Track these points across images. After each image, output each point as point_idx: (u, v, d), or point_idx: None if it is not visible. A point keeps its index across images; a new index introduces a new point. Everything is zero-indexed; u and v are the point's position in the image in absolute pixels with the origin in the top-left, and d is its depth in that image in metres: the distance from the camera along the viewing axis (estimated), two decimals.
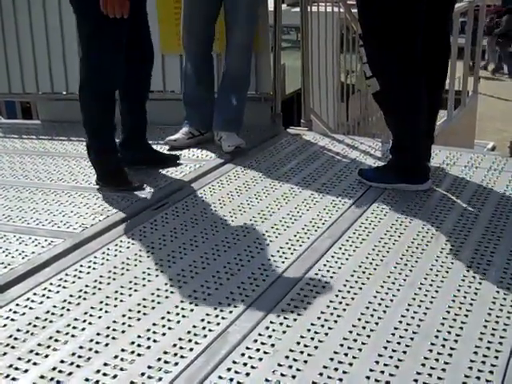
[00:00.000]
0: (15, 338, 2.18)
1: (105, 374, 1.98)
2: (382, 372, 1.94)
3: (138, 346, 2.11)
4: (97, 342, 2.14)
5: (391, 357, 2.00)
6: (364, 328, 2.16)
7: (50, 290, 2.49)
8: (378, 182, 3.40)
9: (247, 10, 4.01)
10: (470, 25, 12.51)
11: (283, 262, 2.64)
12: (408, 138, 3.34)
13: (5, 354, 2.10)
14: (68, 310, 2.35)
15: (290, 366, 1.98)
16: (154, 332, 2.19)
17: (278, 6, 4.46)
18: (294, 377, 1.94)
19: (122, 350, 2.09)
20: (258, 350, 2.07)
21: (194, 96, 4.21)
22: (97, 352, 2.09)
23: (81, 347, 2.12)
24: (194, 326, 2.21)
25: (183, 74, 4.30)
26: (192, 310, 2.31)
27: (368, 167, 3.66)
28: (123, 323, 2.25)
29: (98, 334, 2.18)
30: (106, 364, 2.03)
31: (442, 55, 3.45)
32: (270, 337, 2.14)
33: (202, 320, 2.25)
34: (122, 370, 2.00)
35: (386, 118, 3.44)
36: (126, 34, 3.30)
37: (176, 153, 3.99)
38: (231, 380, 1.94)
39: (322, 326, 2.19)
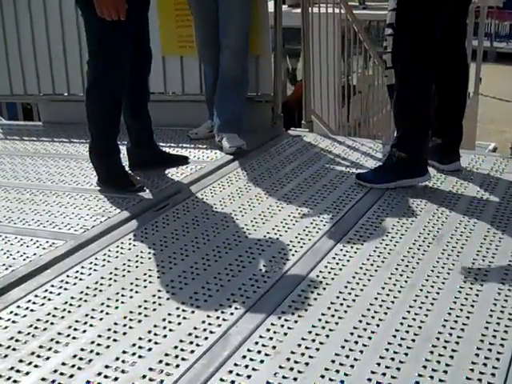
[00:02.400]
0: (16, 340, 2.18)
1: (106, 377, 1.98)
2: (384, 374, 1.93)
3: (139, 348, 2.11)
4: (98, 344, 2.14)
5: (393, 359, 2.00)
6: (365, 330, 2.16)
7: (51, 292, 2.49)
8: (378, 182, 3.41)
9: (240, 12, 4.02)
10: (471, 26, 12.51)
11: (284, 264, 2.64)
12: (414, 131, 3.38)
13: (6, 356, 2.10)
14: (69, 312, 2.35)
15: (292, 369, 1.98)
16: (155, 334, 2.18)
17: (279, 7, 4.46)
18: (295, 379, 1.93)
19: (124, 352, 2.09)
20: (259, 352, 2.07)
21: (212, 97, 4.25)
22: (98, 354, 2.09)
23: (82, 349, 2.12)
24: (195, 328, 2.21)
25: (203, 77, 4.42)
26: (193, 312, 2.31)
27: (366, 170, 3.67)
28: (124, 325, 2.25)
29: (99, 336, 2.18)
30: (107, 366, 2.03)
31: (459, 48, 3.59)
32: (271, 339, 2.13)
33: (203, 322, 2.24)
34: (123, 372, 2.00)
35: (395, 111, 3.50)
36: (132, 36, 3.31)
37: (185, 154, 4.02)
38: (232, 383, 1.94)
39: (323, 327, 2.18)
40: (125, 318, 2.29)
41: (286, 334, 2.16)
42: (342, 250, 2.74)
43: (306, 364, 2.00)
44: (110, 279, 2.57)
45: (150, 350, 2.10)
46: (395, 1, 3.35)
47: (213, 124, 4.23)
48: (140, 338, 2.16)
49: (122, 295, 2.45)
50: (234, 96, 4.16)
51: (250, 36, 4.12)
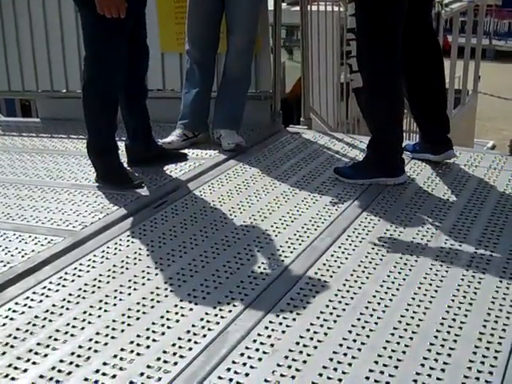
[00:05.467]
0: (14, 337, 2.18)
1: (104, 374, 1.98)
2: (382, 372, 1.93)
3: (138, 345, 2.11)
4: (96, 342, 2.14)
5: (390, 357, 2.00)
6: (363, 328, 2.16)
7: (49, 289, 2.49)
8: (354, 178, 3.44)
9: (248, 14, 4.02)
10: (470, 24, 12.53)
11: (283, 261, 2.64)
12: (384, 133, 3.41)
13: (4, 353, 2.10)
14: (67, 308, 2.35)
15: (290, 366, 1.98)
16: (154, 331, 2.18)
17: (278, 4, 4.45)
18: (293, 377, 1.93)
19: (122, 350, 2.09)
20: (257, 349, 2.07)
21: (194, 99, 4.19)
22: (96, 351, 2.09)
23: (80, 346, 2.12)
24: (194, 326, 2.21)
25: (186, 76, 4.29)
26: (191, 309, 2.31)
27: (344, 164, 3.71)
28: (122, 322, 2.25)
29: (98, 334, 2.18)
30: (105, 363, 2.03)
31: (430, 40, 3.61)
32: (269, 336, 2.13)
33: (202, 319, 2.24)
34: (121, 369, 2.00)
35: (364, 114, 3.54)
36: (129, 33, 3.31)
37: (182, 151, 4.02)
38: (230, 380, 1.94)
39: (322, 325, 2.19)
40: (123, 315, 2.29)
41: (284, 331, 2.16)
42: (340, 247, 2.74)
43: (304, 362, 2.00)
44: (109, 276, 2.57)
45: (148, 347, 2.10)
46: (353, 6, 3.35)
47: (185, 132, 4.17)
48: (138, 336, 2.16)
49: (121, 292, 2.45)
50: (235, 93, 4.15)
51: (256, 35, 4.13)
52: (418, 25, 3.49)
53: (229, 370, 1.98)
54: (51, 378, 1.97)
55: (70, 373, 1.99)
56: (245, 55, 4.10)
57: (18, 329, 2.23)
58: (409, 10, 3.31)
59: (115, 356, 2.06)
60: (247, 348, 2.08)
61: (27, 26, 4.86)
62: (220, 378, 1.95)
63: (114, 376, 1.97)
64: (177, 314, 2.29)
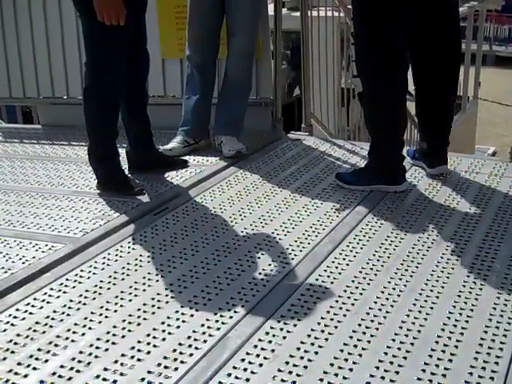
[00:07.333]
0: (15, 343, 2.18)
1: (104, 379, 1.98)
2: (383, 378, 1.93)
3: (138, 351, 2.11)
4: (97, 347, 2.14)
5: (392, 362, 2.00)
6: (364, 333, 2.16)
7: (50, 295, 2.49)
8: (355, 184, 3.43)
9: (249, 18, 4.03)
10: (470, 30, 12.56)
11: (284, 267, 2.64)
12: (385, 140, 3.39)
13: (4, 358, 2.10)
14: (68, 314, 2.34)
15: (290, 372, 1.98)
16: (154, 337, 2.18)
17: (279, 10, 4.46)
18: (294, 382, 1.93)
19: (122, 355, 2.09)
20: (258, 355, 2.07)
21: (195, 105, 4.19)
22: (97, 357, 2.09)
23: (81, 352, 2.11)
24: (194, 331, 2.21)
25: (186, 82, 4.30)
26: (192, 315, 2.31)
27: (345, 170, 3.70)
28: (123, 328, 2.25)
29: (98, 339, 2.18)
30: (105, 369, 2.02)
31: (452, 54, 3.45)
32: (270, 342, 2.13)
33: (202, 325, 2.24)
34: (121, 375, 2.00)
35: (366, 119, 3.52)
36: (129, 39, 3.32)
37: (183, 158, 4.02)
38: None
39: (323, 331, 2.18)
40: (124, 321, 2.29)
41: (284, 337, 2.16)
42: (341, 253, 2.74)
43: (305, 367, 2.00)
44: (109, 282, 2.57)
45: (148, 353, 2.10)
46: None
47: (186, 139, 4.17)
48: (139, 341, 2.16)
49: (122, 298, 2.44)
50: (238, 100, 4.16)
51: (257, 40, 4.15)
52: (438, 34, 3.34)
53: (229, 375, 1.98)
54: None
55: (70, 378, 1.99)
56: (245, 59, 4.10)
57: (18, 334, 2.23)
58: (426, 16, 3.24)
59: (116, 362, 2.06)
60: (248, 354, 2.08)
61: (28, 32, 4.87)
62: (221, 383, 1.95)
63: (114, 381, 1.97)
64: (178, 320, 2.29)
